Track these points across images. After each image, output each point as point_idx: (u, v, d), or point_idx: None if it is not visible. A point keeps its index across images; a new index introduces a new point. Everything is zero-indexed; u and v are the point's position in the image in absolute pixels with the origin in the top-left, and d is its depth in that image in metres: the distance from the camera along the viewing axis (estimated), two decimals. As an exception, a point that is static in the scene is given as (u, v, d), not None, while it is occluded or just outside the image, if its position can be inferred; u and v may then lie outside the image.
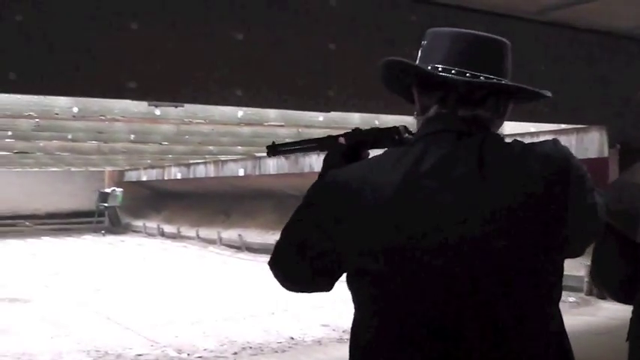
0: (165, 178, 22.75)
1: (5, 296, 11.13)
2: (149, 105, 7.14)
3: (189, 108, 8.70)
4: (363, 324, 1.65)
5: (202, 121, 9.16)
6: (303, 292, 1.80)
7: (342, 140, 1.88)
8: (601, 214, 1.63)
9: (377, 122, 9.04)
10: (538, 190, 1.54)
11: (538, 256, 1.55)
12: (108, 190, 26.13)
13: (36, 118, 8.74)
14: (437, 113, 1.68)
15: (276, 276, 1.77)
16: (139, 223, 25.58)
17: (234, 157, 17.40)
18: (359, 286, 1.65)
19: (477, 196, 1.54)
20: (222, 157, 18.05)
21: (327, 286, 1.73)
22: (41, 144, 13.25)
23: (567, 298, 9.62)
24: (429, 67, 1.67)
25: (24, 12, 4.48)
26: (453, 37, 1.70)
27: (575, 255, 1.65)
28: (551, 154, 1.58)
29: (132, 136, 12.00)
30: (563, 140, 9.48)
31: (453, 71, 1.65)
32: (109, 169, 26.10)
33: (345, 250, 1.63)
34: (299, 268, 1.72)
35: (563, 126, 9.19)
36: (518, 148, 1.59)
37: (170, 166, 21.91)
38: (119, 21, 4.74)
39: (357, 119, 9.11)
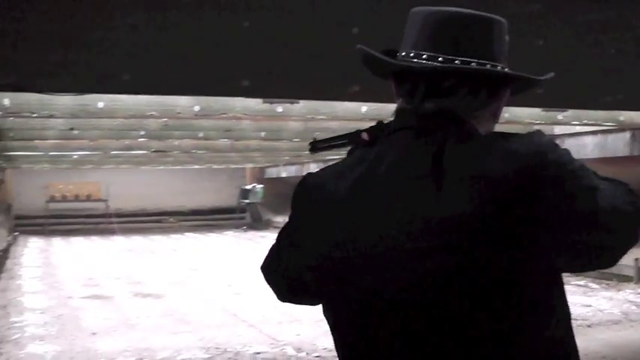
0: (305, 174, 22.94)
1: (139, 292, 11.54)
2: (264, 102, 7.19)
3: (311, 104, 8.72)
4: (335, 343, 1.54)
5: (325, 117, 9.14)
6: (291, 302, 1.67)
7: (364, 136, 1.77)
8: (608, 220, 1.32)
9: (507, 114, 8.81)
10: (498, 196, 1.30)
11: (500, 274, 1.32)
12: (249, 187, 26.73)
13: (159, 117, 8.98)
14: (399, 108, 1.50)
15: (267, 282, 1.67)
16: (279, 219, 25.96)
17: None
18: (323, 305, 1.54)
19: (427, 205, 1.34)
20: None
21: (310, 301, 1.60)
22: (176, 142, 13.67)
23: None
24: (403, 54, 1.49)
25: (135, 14, 4.56)
26: (427, 17, 1.48)
27: (581, 269, 1.42)
28: (520, 149, 1.33)
29: (262, 134, 12.18)
30: None
31: (424, 56, 1.45)
32: (249, 166, 26.66)
33: (303, 262, 1.52)
34: (279, 276, 1.62)
35: None
36: (483, 146, 1.37)
37: (309, 162, 22.11)
38: (231, 17, 4.74)
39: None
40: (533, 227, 1.31)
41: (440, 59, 1.43)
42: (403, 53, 1.49)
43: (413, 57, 1.47)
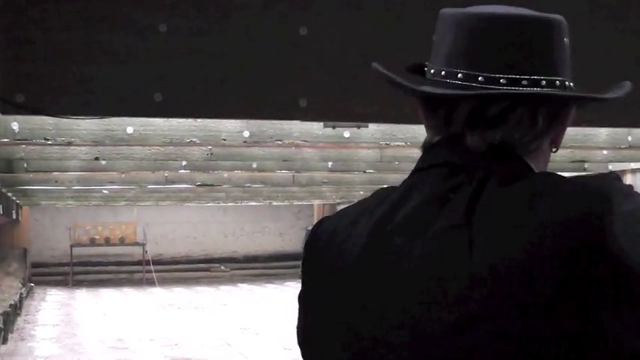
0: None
1: (176, 356, 11.62)
2: (325, 126, 7.24)
3: (387, 128, 8.73)
4: None
5: (403, 143, 9.13)
6: None
7: None
8: None
9: (629, 138, 8.79)
10: (546, 252, 1.19)
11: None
12: (316, 228, 26.77)
13: (201, 145, 9.08)
14: (429, 141, 1.40)
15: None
16: (353, 268, 25.98)
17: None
18: None
19: (456, 265, 1.25)
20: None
21: None
22: (225, 175, 13.81)
23: None
24: (432, 72, 1.40)
25: (168, 20, 4.62)
26: (463, 21, 1.38)
27: None
28: (576, 194, 1.24)
29: (329, 164, 12.23)
30: None
31: (459, 75, 1.36)
32: (316, 202, 26.73)
33: (321, 337, 1.42)
34: (300, 346, 1.51)
35: None
36: (531, 188, 1.27)
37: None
38: (284, 25, 4.76)
39: (603, 135, 8.84)
40: (591, 297, 1.19)
41: (480, 79, 1.35)
42: (432, 70, 1.41)
43: (445, 76, 1.38)
